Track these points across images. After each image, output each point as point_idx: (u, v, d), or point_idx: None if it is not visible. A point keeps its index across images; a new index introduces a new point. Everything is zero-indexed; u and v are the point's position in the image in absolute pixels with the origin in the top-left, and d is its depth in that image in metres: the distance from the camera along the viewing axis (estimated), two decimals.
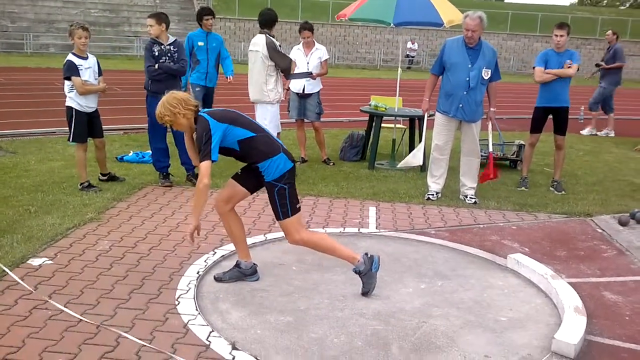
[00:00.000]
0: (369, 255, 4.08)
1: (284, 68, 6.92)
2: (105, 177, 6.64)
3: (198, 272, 4.32)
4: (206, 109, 4.04)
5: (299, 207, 4.07)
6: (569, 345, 3.40)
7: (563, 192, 7.16)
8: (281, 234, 5.18)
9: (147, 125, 6.77)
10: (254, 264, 4.30)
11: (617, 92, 13.20)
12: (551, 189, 7.27)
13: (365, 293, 4.08)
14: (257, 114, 6.99)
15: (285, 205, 3.96)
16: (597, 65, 12.47)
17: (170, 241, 4.95)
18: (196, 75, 8.01)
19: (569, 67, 6.92)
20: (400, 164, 7.20)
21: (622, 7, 47.85)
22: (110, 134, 9.32)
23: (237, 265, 4.27)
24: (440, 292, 4.26)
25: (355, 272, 4.07)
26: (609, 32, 12.34)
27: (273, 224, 5.46)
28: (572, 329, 3.56)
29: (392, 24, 7.53)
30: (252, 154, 3.94)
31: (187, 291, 4.01)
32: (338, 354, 3.35)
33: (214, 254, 4.69)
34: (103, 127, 6.55)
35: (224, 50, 8.31)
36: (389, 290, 4.23)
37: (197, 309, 3.76)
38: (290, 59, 7.01)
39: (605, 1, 59.84)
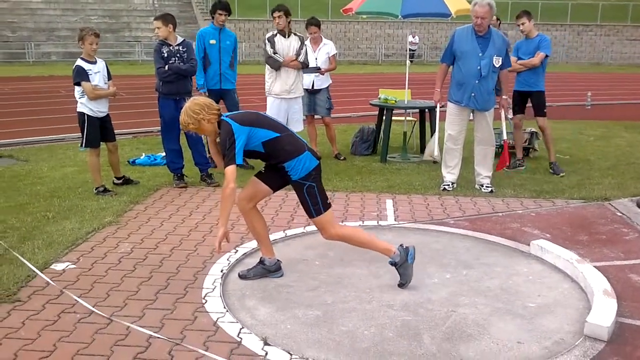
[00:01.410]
0: (404, 247, 4.06)
1: (266, 62, 7.17)
2: (120, 181, 6.64)
3: (222, 271, 4.32)
4: (228, 113, 4.03)
5: (330, 202, 4.06)
6: (602, 328, 3.38)
7: (562, 174, 7.27)
8: (301, 229, 5.23)
9: (156, 127, 6.75)
10: (278, 260, 4.29)
11: (623, 77, 13.11)
12: (550, 171, 7.38)
13: (402, 285, 4.06)
14: None
15: (316, 202, 3.95)
16: None
17: (190, 241, 4.94)
18: (208, 79, 7.24)
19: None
20: (425, 156, 7.17)
21: None
22: (119, 139, 9.29)
23: (261, 262, 4.25)
24: (466, 281, 4.24)
25: (391, 264, 4.05)
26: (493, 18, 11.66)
27: (292, 220, 5.46)
28: (604, 312, 3.54)
29: (400, 16, 7.49)
30: (277, 154, 3.92)
31: (213, 289, 4.00)
32: (370, 346, 3.34)
33: (235, 252, 4.68)
34: None
35: (236, 53, 7.48)
36: (414, 281, 4.19)
37: (225, 307, 3.75)
38: (267, 54, 7.09)
39: None
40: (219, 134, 3.87)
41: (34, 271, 4.18)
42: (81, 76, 6.06)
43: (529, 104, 7.58)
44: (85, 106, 6.14)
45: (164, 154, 7.17)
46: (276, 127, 3.98)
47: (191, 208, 5.87)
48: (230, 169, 3.74)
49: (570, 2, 37.53)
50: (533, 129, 8.46)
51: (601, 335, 3.38)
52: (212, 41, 7.24)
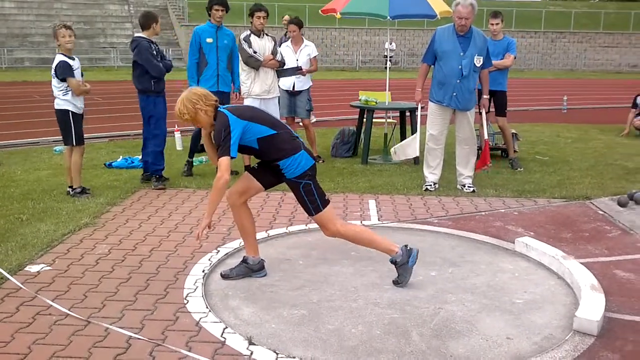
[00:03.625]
0: (408, 248, 3.99)
1: (243, 61, 6.98)
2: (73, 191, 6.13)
3: (203, 271, 4.20)
4: (226, 106, 3.94)
5: (328, 199, 3.97)
6: (592, 322, 3.34)
7: (520, 169, 7.57)
8: (283, 229, 5.13)
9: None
10: (262, 259, 4.19)
11: (597, 83, 13.28)
12: (509, 167, 7.72)
13: (397, 283, 3.97)
14: None
15: (314, 200, 3.86)
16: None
17: (170, 242, 4.82)
18: (204, 80, 6.80)
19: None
20: (396, 158, 7.10)
21: (594, 0, 48.40)
22: (96, 142, 9.16)
23: (245, 261, 4.15)
24: (452, 279, 4.19)
25: (391, 262, 3.97)
26: (286, 16, 10.64)
27: (274, 220, 5.36)
28: (592, 307, 3.50)
29: (388, 17, 7.46)
30: (272, 152, 3.83)
31: (195, 290, 3.89)
32: (358, 344, 3.26)
33: (217, 252, 4.57)
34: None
35: (235, 53, 7.07)
36: None
37: (207, 307, 3.64)
38: (247, 54, 6.87)
39: None
40: (214, 127, 3.77)
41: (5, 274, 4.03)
42: (68, 71, 5.84)
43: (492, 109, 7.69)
44: (69, 103, 5.92)
45: (140, 156, 7.02)
46: (273, 124, 3.88)
47: (170, 209, 5.74)
48: (225, 161, 3.63)
49: (544, 9, 38.10)
50: (513, 131, 8.49)
51: (591, 329, 3.34)
52: (209, 39, 6.83)
